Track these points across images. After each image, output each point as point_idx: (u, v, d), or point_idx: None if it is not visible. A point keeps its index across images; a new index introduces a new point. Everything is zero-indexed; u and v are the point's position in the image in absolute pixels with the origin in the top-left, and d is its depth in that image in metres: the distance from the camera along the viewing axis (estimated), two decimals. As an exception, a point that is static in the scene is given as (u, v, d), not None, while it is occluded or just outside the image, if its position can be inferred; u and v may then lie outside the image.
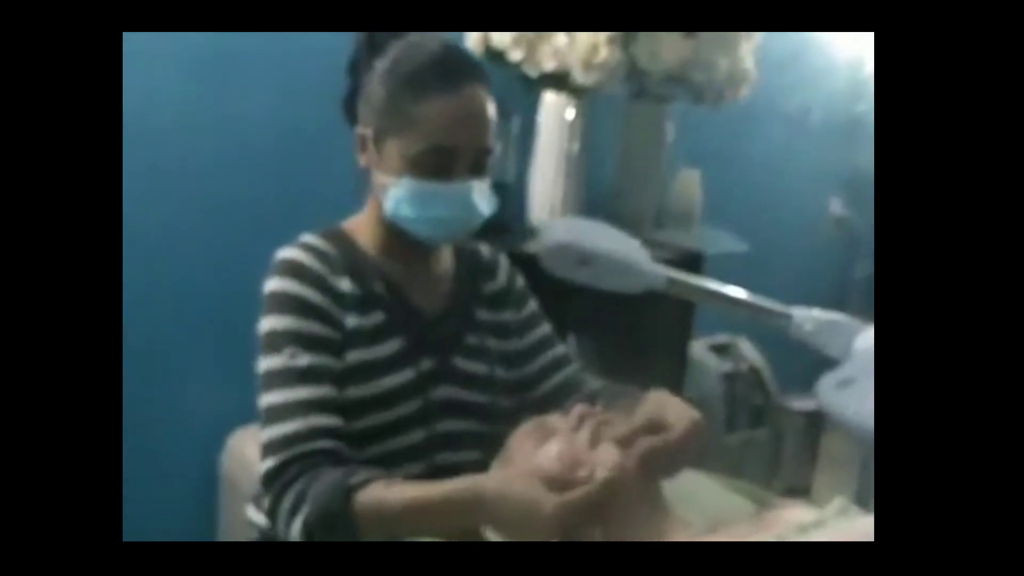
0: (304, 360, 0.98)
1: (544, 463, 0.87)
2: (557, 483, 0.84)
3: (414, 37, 1.05)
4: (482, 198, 1.04)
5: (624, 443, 0.87)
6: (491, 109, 1.03)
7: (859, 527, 0.73)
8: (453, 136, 1.00)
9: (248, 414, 1.63)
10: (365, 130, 1.05)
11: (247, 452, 1.65)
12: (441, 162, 1.00)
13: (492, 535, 0.87)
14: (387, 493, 0.90)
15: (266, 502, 0.96)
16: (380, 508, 0.89)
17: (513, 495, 0.85)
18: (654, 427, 0.89)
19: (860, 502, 0.92)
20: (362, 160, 1.06)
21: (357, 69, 1.07)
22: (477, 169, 1.03)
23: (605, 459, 0.86)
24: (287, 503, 0.93)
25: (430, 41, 1.04)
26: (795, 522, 0.79)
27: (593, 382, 1.17)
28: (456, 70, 1.01)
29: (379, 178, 1.04)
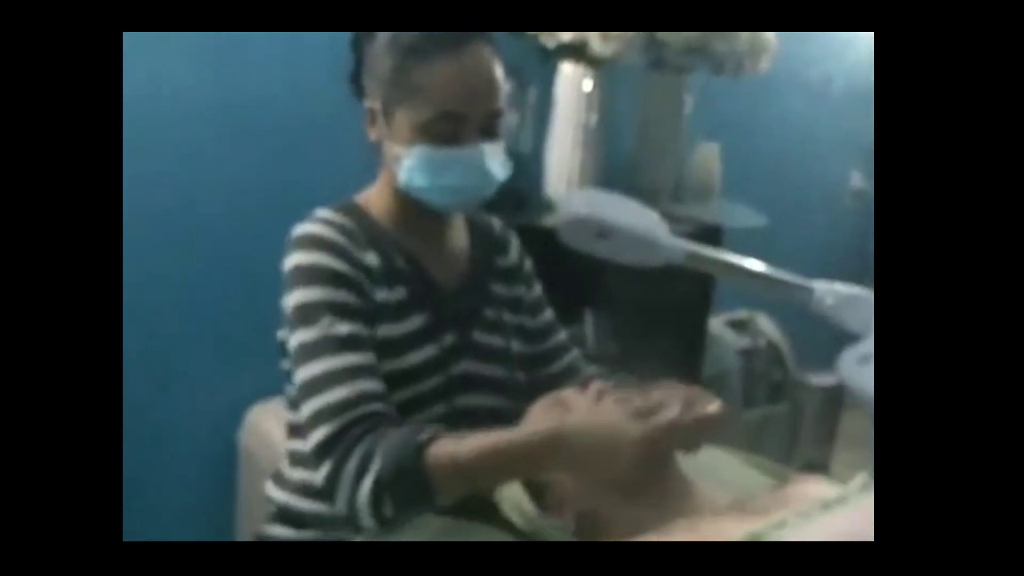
0: (343, 328, 0.96)
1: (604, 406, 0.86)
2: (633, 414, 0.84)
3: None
4: (495, 162, 1.03)
5: (649, 413, 0.86)
6: (498, 71, 1.01)
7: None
8: (462, 100, 0.98)
9: (266, 389, 1.65)
10: (373, 103, 1.04)
11: (266, 427, 1.65)
12: (451, 128, 0.99)
13: (566, 481, 0.87)
14: (460, 445, 0.88)
15: (325, 470, 0.92)
16: (455, 459, 0.88)
17: (596, 426, 0.85)
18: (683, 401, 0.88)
19: (881, 478, 0.91)
20: (372, 134, 1.05)
21: (360, 43, 1.05)
22: (489, 133, 1.01)
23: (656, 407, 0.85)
24: (352, 465, 0.89)
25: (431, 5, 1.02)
26: (818, 497, 0.78)
27: (590, 369, 1.19)
28: (459, 33, 0.99)
29: (391, 149, 1.03)
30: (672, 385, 0.92)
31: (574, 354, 1.19)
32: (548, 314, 1.19)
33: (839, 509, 0.75)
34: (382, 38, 1.01)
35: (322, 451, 0.92)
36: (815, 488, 0.84)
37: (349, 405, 0.92)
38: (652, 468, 0.86)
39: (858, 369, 0.87)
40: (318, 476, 0.93)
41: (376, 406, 0.93)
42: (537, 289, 1.19)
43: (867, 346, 0.88)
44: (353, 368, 0.94)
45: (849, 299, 0.96)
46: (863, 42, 2.63)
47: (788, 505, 0.78)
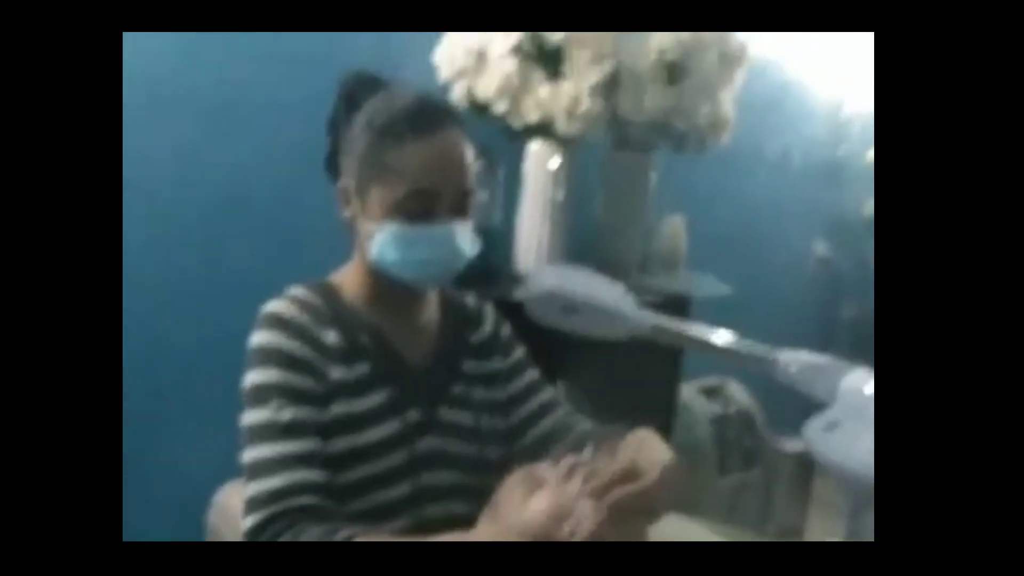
0: (289, 414, 0.98)
1: (531, 518, 0.87)
2: (543, 539, 0.84)
3: (389, 90, 1.08)
4: (465, 240, 1.05)
5: (600, 494, 0.87)
6: (468, 152, 1.05)
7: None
8: (432, 179, 1.02)
9: (235, 469, 1.63)
10: (347, 182, 1.07)
11: (233, 507, 1.62)
12: (423, 205, 1.02)
13: None
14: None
15: None
16: None
17: (524, 531, 0.85)
18: (631, 474, 0.90)
19: (851, 540, 0.92)
20: (346, 212, 1.08)
21: (336, 126, 1.10)
22: (459, 211, 1.04)
23: (588, 513, 0.86)
24: None
25: (405, 92, 1.07)
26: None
27: (584, 422, 1.17)
28: (430, 116, 1.04)
29: (364, 226, 1.05)
30: (639, 439, 0.95)
31: (559, 414, 1.18)
32: (529, 375, 1.19)
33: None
34: (357, 120, 1.05)
35: (249, 539, 0.94)
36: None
37: (279, 496, 0.94)
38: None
39: (824, 437, 0.88)
40: None
41: (305, 499, 0.95)
42: (518, 352, 1.20)
43: (832, 414, 0.90)
44: (291, 457, 0.96)
45: (813, 368, 0.97)
46: (821, 115, 2.73)
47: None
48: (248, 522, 0.94)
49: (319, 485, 0.97)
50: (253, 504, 0.95)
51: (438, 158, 1.02)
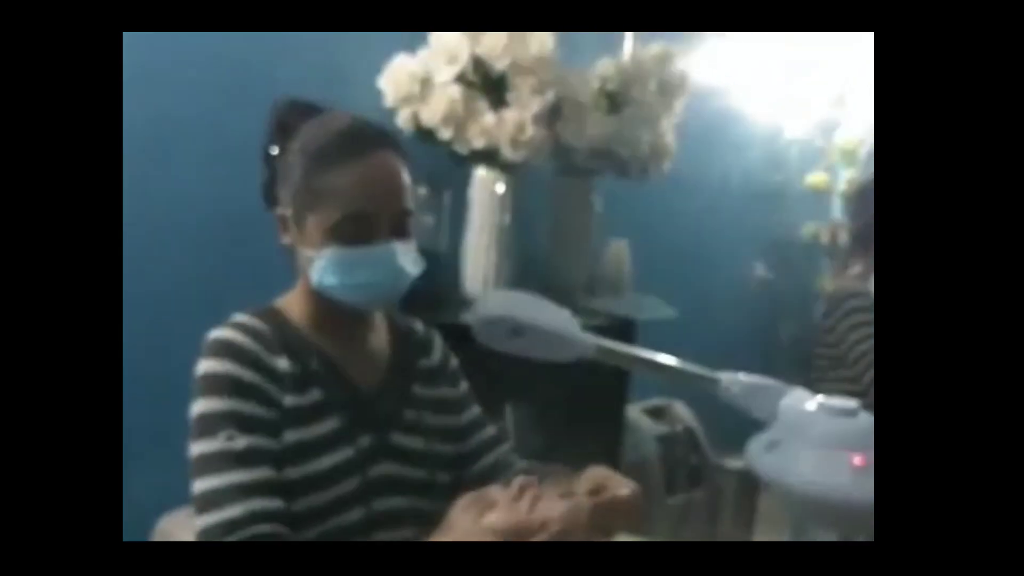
0: (242, 442, 0.96)
1: (483, 536, 0.88)
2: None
3: (322, 116, 1.08)
4: (407, 259, 1.05)
5: (567, 498, 0.89)
6: (404, 173, 1.05)
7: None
8: (367, 201, 1.02)
9: (177, 498, 1.60)
10: (284, 211, 1.07)
11: (176, 537, 1.60)
12: (360, 228, 1.02)
13: None
14: None
15: None
16: None
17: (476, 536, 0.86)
18: (596, 492, 0.93)
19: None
20: (285, 240, 1.08)
21: (270, 155, 1.09)
22: (398, 231, 1.04)
23: (550, 515, 0.87)
24: None
25: (337, 117, 1.07)
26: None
27: (521, 463, 1.20)
28: (362, 139, 1.03)
29: (303, 253, 1.05)
30: (600, 470, 0.95)
31: (503, 449, 1.20)
32: (474, 411, 1.21)
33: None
34: (291, 149, 1.05)
35: None
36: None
37: (236, 526, 0.92)
38: None
39: (764, 456, 0.91)
40: None
41: (263, 528, 0.93)
42: (463, 387, 1.21)
43: (773, 433, 0.93)
44: (246, 486, 0.94)
45: (753, 388, 0.99)
46: (759, 142, 2.81)
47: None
48: None
49: (275, 513, 0.95)
50: (208, 535, 0.92)
51: (372, 180, 1.02)
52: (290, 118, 1.08)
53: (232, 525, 0.92)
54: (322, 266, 1.02)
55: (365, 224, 1.02)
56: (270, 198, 1.10)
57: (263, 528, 0.93)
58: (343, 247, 1.01)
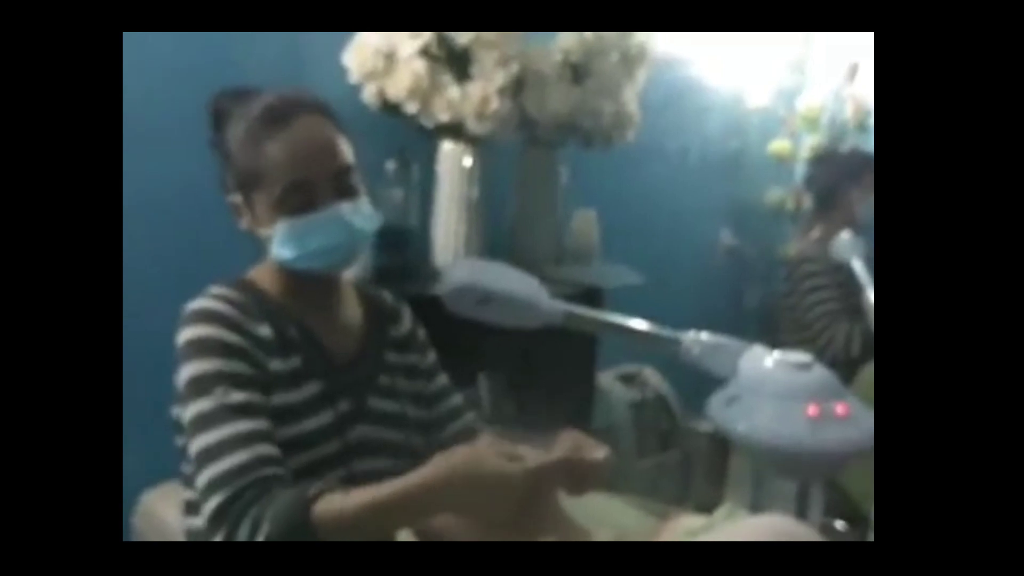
0: (237, 396, 0.97)
1: (481, 451, 0.91)
2: (493, 474, 0.89)
3: (249, 97, 1.09)
4: (359, 217, 1.06)
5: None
6: (333, 133, 1.06)
7: (744, 527, 0.80)
8: (303, 168, 1.03)
9: (159, 473, 1.61)
10: (234, 197, 1.09)
11: (159, 512, 1.62)
12: (303, 196, 1.03)
13: (453, 522, 0.90)
14: (347, 499, 0.90)
15: (218, 539, 0.91)
16: (342, 513, 0.89)
17: (486, 468, 0.89)
18: (576, 450, 0.97)
19: (755, 508, 0.99)
20: (242, 225, 1.10)
21: (215, 142, 1.11)
22: (343, 191, 1.05)
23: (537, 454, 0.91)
24: (243, 531, 0.89)
25: (261, 96, 1.08)
26: (688, 528, 0.85)
27: (487, 430, 1.22)
28: (284, 109, 1.05)
29: (260, 233, 1.07)
30: (568, 432, 0.99)
31: (469, 417, 1.24)
32: (442, 379, 1.24)
33: (703, 535, 0.82)
34: (227, 136, 1.07)
35: (215, 520, 0.92)
36: (687, 521, 0.92)
37: (244, 471, 0.93)
38: (534, 508, 0.92)
39: (725, 410, 0.95)
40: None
41: (271, 470, 0.95)
42: (431, 356, 1.24)
43: (732, 389, 0.97)
44: (248, 434, 0.96)
45: (713, 347, 1.03)
46: (718, 110, 2.84)
47: (660, 537, 0.85)
48: (211, 504, 0.92)
49: (279, 459, 0.97)
50: (215, 485, 0.92)
51: (302, 146, 1.03)
52: (224, 106, 1.10)
53: (242, 469, 0.93)
54: (277, 242, 1.05)
55: (307, 191, 1.03)
56: (224, 187, 1.12)
57: (270, 470, 0.94)
58: (291, 218, 1.03)
